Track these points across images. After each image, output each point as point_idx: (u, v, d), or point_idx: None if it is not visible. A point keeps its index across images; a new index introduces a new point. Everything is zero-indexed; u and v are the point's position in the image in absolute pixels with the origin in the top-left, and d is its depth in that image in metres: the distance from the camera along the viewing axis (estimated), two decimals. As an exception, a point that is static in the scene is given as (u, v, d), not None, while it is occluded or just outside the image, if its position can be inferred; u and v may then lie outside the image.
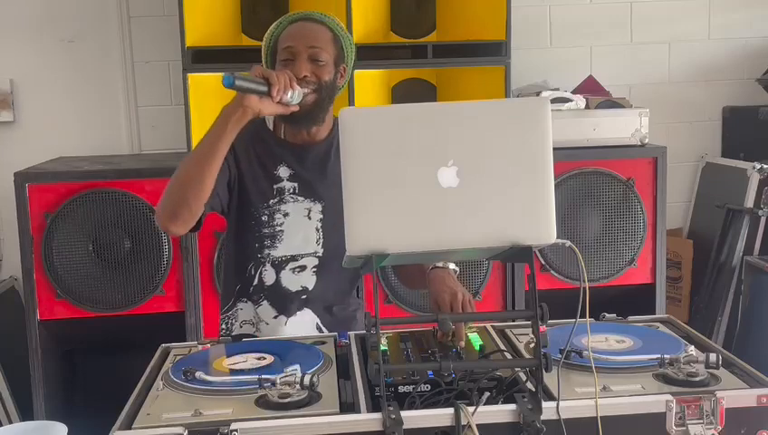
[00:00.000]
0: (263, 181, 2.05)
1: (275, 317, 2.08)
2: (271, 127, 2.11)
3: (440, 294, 1.85)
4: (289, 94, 1.83)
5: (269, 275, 2.07)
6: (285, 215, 2.05)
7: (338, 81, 2.05)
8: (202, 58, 3.03)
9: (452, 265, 1.95)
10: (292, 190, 2.05)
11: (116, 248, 3.01)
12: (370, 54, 3.12)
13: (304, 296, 2.09)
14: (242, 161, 2.04)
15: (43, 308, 3.02)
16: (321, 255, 2.07)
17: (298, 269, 2.07)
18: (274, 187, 2.05)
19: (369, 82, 3.17)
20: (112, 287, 3.02)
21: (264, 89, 1.79)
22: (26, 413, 3.16)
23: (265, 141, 2.07)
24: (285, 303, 2.08)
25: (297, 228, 2.05)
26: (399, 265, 2.20)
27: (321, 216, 2.06)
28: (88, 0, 3.56)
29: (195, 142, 3.01)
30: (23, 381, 3.11)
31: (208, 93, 3.08)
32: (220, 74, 3.01)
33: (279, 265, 2.07)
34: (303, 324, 2.07)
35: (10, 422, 3.18)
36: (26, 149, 3.47)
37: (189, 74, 3.00)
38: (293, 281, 2.08)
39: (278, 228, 2.05)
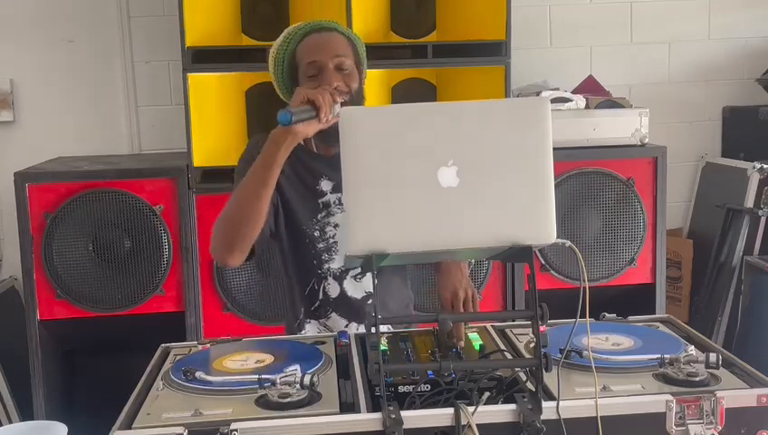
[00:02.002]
0: (307, 198, 2.05)
1: (347, 326, 2.08)
2: (301, 141, 2.09)
3: (442, 291, 1.85)
4: (332, 112, 1.82)
5: (333, 288, 2.08)
6: (336, 226, 2.05)
7: (363, 86, 2.05)
8: (202, 58, 3.03)
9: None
10: (336, 202, 2.05)
11: (116, 248, 3.01)
12: (370, 54, 3.06)
13: (370, 301, 2.08)
14: (283, 183, 2.02)
15: (43, 308, 3.02)
16: None
17: (359, 276, 2.08)
18: (319, 201, 2.06)
19: (369, 81, 3.11)
20: (112, 287, 3.02)
21: (314, 114, 1.79)
22: (26, 413, 3.16)
23: (300, 158, 2.04)
24: (354, 311, 2.08)
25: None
26: None
27: None
28: (88, 0, 3.56)
29: (195, 142, 3.01)
30: (23, 381, 3.11)
31: (208, 93, 3.08)
32: (220, 74, 3.08)
33: (340, 277, 2.08)
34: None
35: (10, 422, 3.18)
36: (26, 149, 3.47)
37: (189, 74, 3.00)
38: (357, 288, 2.09)
39: (332, 241, 2.06)
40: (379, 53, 3.17)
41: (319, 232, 2.06)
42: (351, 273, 2.08)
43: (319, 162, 2.06)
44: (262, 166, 1.83)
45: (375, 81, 3.22)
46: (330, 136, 1.96)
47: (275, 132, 1.81)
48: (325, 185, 2.06)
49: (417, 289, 3.14)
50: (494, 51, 3.13)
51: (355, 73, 2.01)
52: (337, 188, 2.05)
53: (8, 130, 3.59)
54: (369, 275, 2.00)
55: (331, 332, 2.05)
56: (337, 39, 2.01)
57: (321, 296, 2.09)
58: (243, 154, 2.07)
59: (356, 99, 1.99)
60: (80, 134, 3.61)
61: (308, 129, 1.80)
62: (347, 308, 2.09)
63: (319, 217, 2.06)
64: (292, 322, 2.15)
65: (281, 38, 2.05)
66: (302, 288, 2.09)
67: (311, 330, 2.10)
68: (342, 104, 1.90)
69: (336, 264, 2.07)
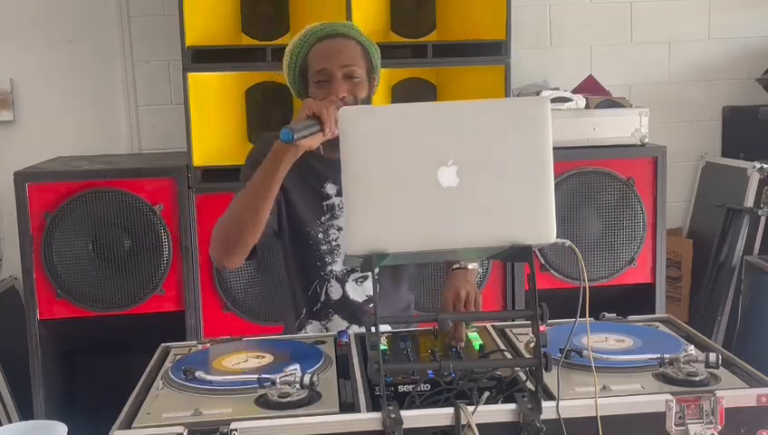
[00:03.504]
0: (312, 200, 2.06)
1: (348, 328, 2.08)
2: None
3: (445, 292, 1.85)
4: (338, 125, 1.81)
5: (335, 291, 2.09)
6: (339, 229, 2.06)
7: (373, 93, 2.05)
8: (202, 57, 3.03)
9: (471, 265, 1.95)
10: (341, 205, 2.05)
11: (116, 248, 3.01)
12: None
13: (372, 305, 2.08)
14: (288, 185, 2.02)
15: (42, 308, 3.02)
16: None
17: (361, 279, 2.09)
18: (324, 204, 2.06)
19: None
20: (112, 287, 3.02)
21: (318, 128, 1.78)
22: (26, 413, 3.16)
23: (307, 161, 2.02)
24: (356, 314, 2.09)
25: None
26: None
27: None
28: (88, 0, 3.56)
29: (194, 142, 3.01)
30: (23, 381, 3.11)
31: (208, 93, 3.08)
32: (220, 73, 3.08)
33: (343, 279, 2.08)
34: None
35: (10, 422, 3.18)
36: (26, 149, 3.47)
37: (189, 74, 3.00)
38: (359, 292, 2.09)
39: (335, 243, 2.06)
40: (378, 53, 3.17)
41: (323, 234, 2.06)
42: (354, 276, 2.08)
43: (325, 166, 2.06)
44: (262, 179, 1.84)
45: (375, 80, 3.22)
46: (334, 143, 1.95)
47: (278, 145, 1.80)
48: (330, 188, 2.07)
49: (418, 289, 3.15)
50: (494, 50, 3.13)
51: (365, 83, 2.00)
52: (342, 192, 2.04)
53: (8, 129, 3.59)
54: (370, 278, 2.03)
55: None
56: (350, 47, 2.00)
57: (323, 298, 2.09)
58: (249, 153, 2.07)
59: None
60: (80, 134, 3.61)
61: (312, 141, 1.80)
62: (348, 311, 2.09)
63: (323, 219, 2.06)
64: (292, 322, 2.14)
65: (296, 39, 2.04)
66: (305, 289, 2.10)
67: (312, 331, 2.10)
68: None
69: (339, 266, 2.07)
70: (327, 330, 2.09)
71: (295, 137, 1.73)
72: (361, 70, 1.99)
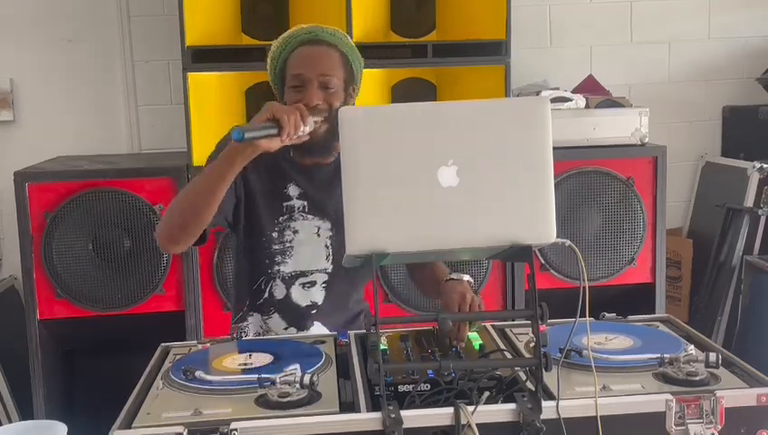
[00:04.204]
0: (273, 199, 2.05)
1: (285, 329, 2.09)
2: None
3: (450, 294, 1.85)
4: (300, 131, 1.79)
5: (279, 290, 2.09)
6: (295, 232, 2.06)
7: (348, 103, 2.03)
8: (202, 57, 3.03)
9: (466, 277, 1.95)
10: (301, 208, 2.06)
11: (116, 248, 3.01)
12: (370, 54, 3.08)
13: (314, 311, 2.10)
14: (251, 179, 2.03)
15: (42, 308, 3.02)
16: (330, 271, 2.09)
17: (308, 285, 2.09)
18: (284, 204, 2.06)
19: (369, 81, 3.16)
20: (112, 287, 3.02)
21: (275, 132, 1.75)
22: (26, 413, 3.16)
23: (275, 159, 2.02)
24: (296, 317, 2.10)
25: (306, 245, 2.06)
26: (415, 267, 2.19)
27: (331, 233, 2.07)
28: (88, 0, 3.56)
29: (194, 142, 3.01)
30: (23, 381, 3.11)
31: (208, 93, 3.08)
32: (220, 73, 3.08)
33: (289, 281, 2.08)
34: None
35: (10, 422, 3.18)
36: (26, 149, 3.47)
37: (189, 73, 3.00)
38: (303, 296, 2.09)
39: (288, 245, 2.06)
40: (378, 53, 3.17)
41: (277, 234, 2.06)
42: (301, 280, 2.09)
43: (291, 167, 2.06)
44: (214, 172, 1.81)
45: (375, 80, 3.22)
46: (303, 149, 1.96)
47: (234, 143, 1.76)
48: (293, 190, 2.06)
49: (417, 289, 3.14)
50: (494, 50, 3.13)
51: (340, 93, 1.98)
52: (304, 196, 2.05)
53: (8, 129, 3.59)
54: (317, 286, 2.07)
55: (270, 331, 2.09)
56: (330, 55, 1.98)
57: (266, 295, 2.09)
58: (215, 147, 2.06)
59: (336, 118, 1.93)
60: (79, 134, 3.61)
61: (271, 144, 1.76)
62: (289, 312, 2.09)
63: (281, 219, 2.06)
64: (236, 310, 2.15)
65: (279, 41, 2.04)
66: (251, 283, 2.10)
67: (252, 322, 2.11)
68: (320, 124, 1.90)
69: (288, 268, 2.07)
70: (266, 325, 2.10)
71: (246, 137, 1.70)
72: (338, 80, 1.97)
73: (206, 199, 1.83)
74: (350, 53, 2.03)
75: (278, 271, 2.08)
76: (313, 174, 2.07)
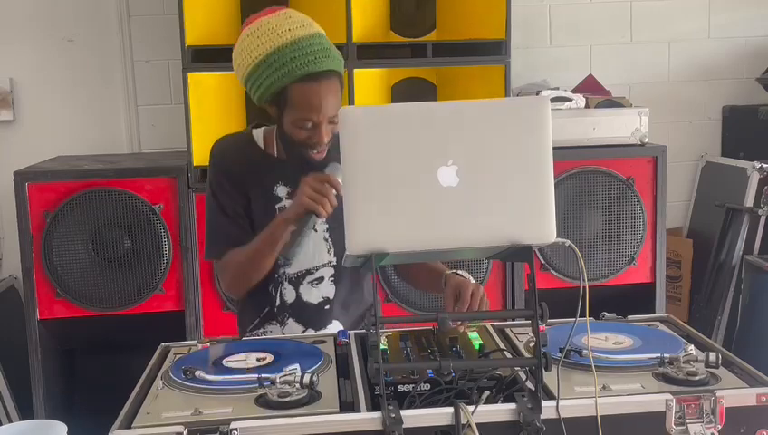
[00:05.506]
0: (265, 203, 2.05)
1: (303, 332, 2.08)
2: (262, 145, 2.09)
3: (463, 283, 1.87)
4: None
5: (289, 293, 2.09)
6: (291, 232, 2.05)
7: None
8: (202, 57, 3.03)
9: (466, 275, 1.96)
10: None
11: (116, 247, 3.01)
12: (370, 53, 3.12)
13: (327, 307, 2.09)
14: (249, 189, 2.04)
15: (42, 307, 3.02)
16: (335, 263, 2.08)
17: (316, 281, 2.09)
18: (276, 207, 2.05)
19: (369, 81, 3.17)
20: (112, 286, 3.02)
21: (313, 216, 1.89)
22: (26, 413, 3.16)
23: (258, 163, 2.04)
24: (310, 316, 2.09)
25: (306, 243, 2.03)
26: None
27: (327, 225, 2.06)
28: (88, 0, 3.56)
29: (194, 141, 3.01)
30: (23, 381, 3.11)
31: (208, 92, 3.08)
32: (220, 73, 3.08)
33: (296, 282, 2.08)
34: None
35: (10, 422, 3.17)
36: (26, 148, 3.47)
37: (189, 73, 3.00)
38: (313, 294, 2.09)
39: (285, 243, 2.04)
40: (378, 53, 3.18)
41: None
42: (308, 278, 2.08)
43: (277, 167, 2.05)
44: (265, 244, 1.96)
45: (375, 80, 3.22)
46: (288, 145, 1.99)
47: (281, 220, 1.92)
48: (281, 190, 2.06)
49: (416, 289, 3.14)
50: (494, 50, 3.13)
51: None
52: (292, 195, 2.02)
53: (8, 129, 3.59)
54: (326, 281, 2.07)
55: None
56: (333, 89, 1.91)
57: (278, 302, 2.09)
58: (210, 167, 2.09)
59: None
60: (79, 133, 3.61)
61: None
62: (302, 314, 2.09)
63: None
64: (248, 323, 2.13)
65: (269, 49, 1.88)
66: (262, 291, 2.09)
67: (274, 332, 2.10)
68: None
69: (293, 269, 2.07)
70: (284, 334, 2.09)
71: (290, 258, 1.93)
72: (339, 106, 1.92)
73: (264, 262, 2.00)
74: (340, 66, 1.95)
75: (284, 274, 2.07)
76: (300, 170, 1.98)
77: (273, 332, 2.10)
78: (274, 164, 2.06)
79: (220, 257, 2.06)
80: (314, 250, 2.07)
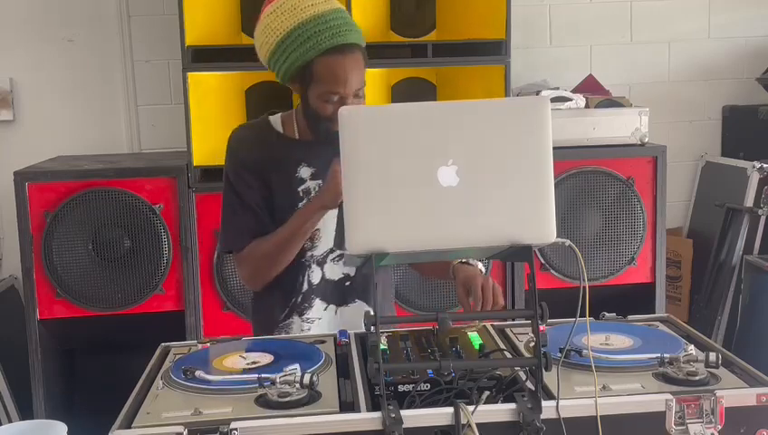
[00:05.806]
0: (288, 187, 2.04)
1: (325, 309, 2.09)
2: (280, 129, 2.07)
3: (475, 275, 1.88)
4: None
5: (315, 275, 2.08)
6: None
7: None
8: (202, 57, 3.03)
9: (480, 265, 1.97)
10: (317, 188, 2.03)
11: (116, 247, 3.01)
12: (370, 53, 3.08)
13: (348, 283, 2.09)
14: (270, 174, 2.03)
15: (42, 307, 3.02)
16: None
17: (337, 258, 2.08)
18: (299, 189, 2.04)
19: (369, 80, 3.12)
20: (112, 286, 3.02)
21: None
22: (26, 412, 3.16)
23: (278, 147, 2.03)
24: (333, 293, 2.09)
25: (331, 222, 2.04)
26: None
27: None
28: (88, 0, 3.56)
29: (194, 141, 3.01)
30: (23, 381, 3.11)
31: (208, 92, 3.08)
32: (220, 73, 3.08)
33: (322, 261, 2.08)
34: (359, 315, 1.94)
35: (10, 422, 3.18)
36: (26, 148, 3.47)
37: (189, 73, 3.00)
38: (335, 271, 2.08)
39: (314, 229, 2.04)
40: (378, 52, 3.17)
41: None
42: (332, 256, 2.08)
43: (298, 149, 2.04)
44: (293, 231, 1.96)
45: (375, 80, 3.22)
46: (314, 125, 1.99)
47: (311, 206, 1.94)
48: (304, 172, 2.04)
49: (416, 289, 3.15)
50: (494, 50, 3.13)
51: (364, 90, 1.98)
52: (317, 175, 2.02)
53: (8, 129, 3.59)
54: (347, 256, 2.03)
55: (314, 320, 2.09)
56: (358, 63, 1.94)
57: (305, 287, 2.08)
58: (227, 157, 2.07)
59: None
60: (79, 133, 3.61)
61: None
62: (326, 292, 2.09)
63: (300, 205, 2.03)
64: (271, 317, 2.12)
65: (293, 24, 1.88)
66: (290, 279, 2.07)
67: (296, 323, 2.09)
68: None
69: (319, 250, 2.06)
70: (310, 319, 2.09)
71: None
72: (363, 81, 1.97)
73: (291, 250, 2.00)
74: (362, 41, 1.98)
75: (311, 256, 2.07)
76: (322, 149, 1.98)
77: (296, 323, 2.09)
78: (296, 146, 2.05)
79: (241, 249, 2.04)
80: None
